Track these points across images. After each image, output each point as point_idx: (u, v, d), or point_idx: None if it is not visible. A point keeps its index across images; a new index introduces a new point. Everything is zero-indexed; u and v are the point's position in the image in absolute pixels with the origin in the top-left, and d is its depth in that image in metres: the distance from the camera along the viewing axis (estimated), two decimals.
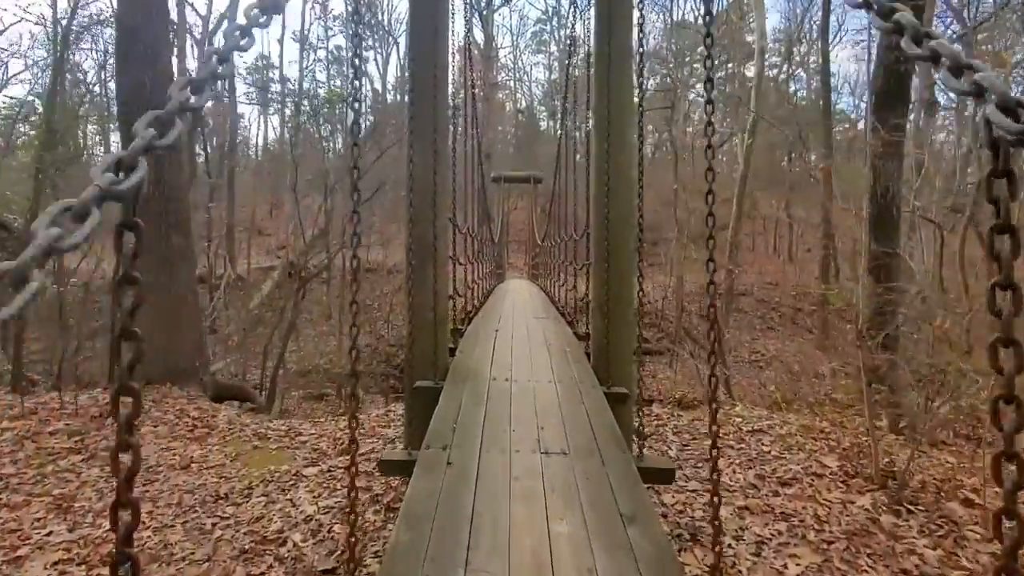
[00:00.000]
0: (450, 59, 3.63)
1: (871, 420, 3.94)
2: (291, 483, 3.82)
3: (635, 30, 3.33)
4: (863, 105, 25.24)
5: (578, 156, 6.90)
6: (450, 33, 3.68)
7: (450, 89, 3.71)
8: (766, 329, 18.14)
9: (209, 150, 18.84)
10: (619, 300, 3.60)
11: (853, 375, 6.59)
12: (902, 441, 4.98)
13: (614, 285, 3.53)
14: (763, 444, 4.54)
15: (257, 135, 33.83)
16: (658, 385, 11.22)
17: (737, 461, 4.25)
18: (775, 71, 23.63)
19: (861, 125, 25.61)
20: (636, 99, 2.98)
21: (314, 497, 3.64)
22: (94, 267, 10.11)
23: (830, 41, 16.79)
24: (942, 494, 3.79)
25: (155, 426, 4.84)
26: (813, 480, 3.84)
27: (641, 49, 2.79)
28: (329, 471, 4.01)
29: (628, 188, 3.63)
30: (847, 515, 3.40)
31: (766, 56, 17.95)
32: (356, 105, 1.70)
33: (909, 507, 3.54)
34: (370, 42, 26.99)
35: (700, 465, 4.20)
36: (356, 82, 1.69)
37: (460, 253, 5.50)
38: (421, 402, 3.38)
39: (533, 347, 4.20)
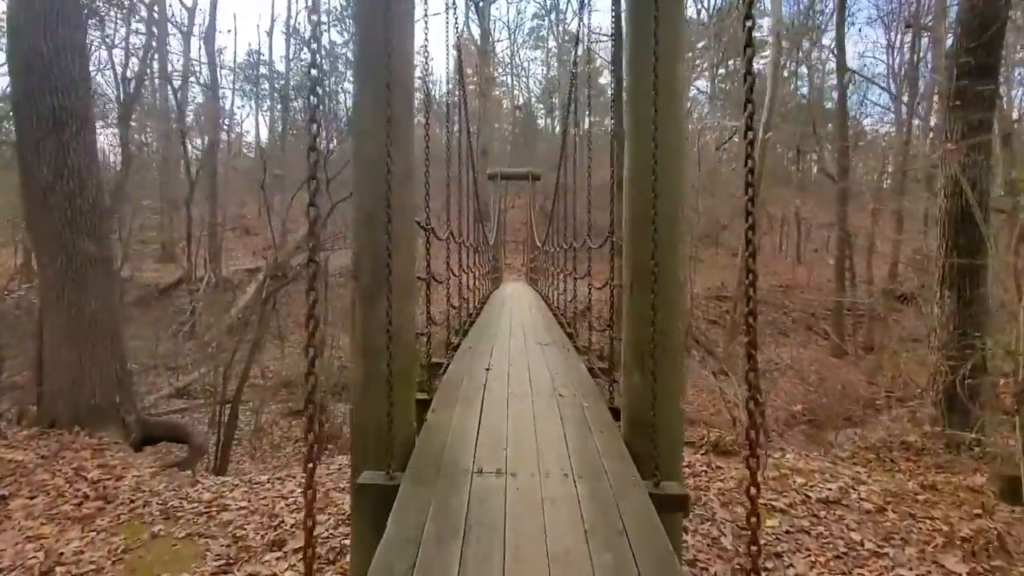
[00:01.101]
0: None
1: None
2: None
3: None
4: (865, 102, 24.26)
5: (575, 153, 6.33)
6: None
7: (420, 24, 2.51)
8: (778, 335, 17.20)
9: (200, 145, 17.70)
10: (667, 342, 2.40)
11: (925, 418, 5.42)
12: (1020, 514, 3.81)
13: (661, 322, 2.34)
14: (848, 526, 3.35)
15: (239, 133, 32.50)
16: None
17: (821, 558, 3.06)
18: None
19: (865, 122, 24.57)
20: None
21: None
22: None
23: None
24: None
25: (32, 496, 3.62)
26: None
27: None
28: None
29: (678, 184, 2.46)
30: None
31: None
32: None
33: None
34: None
35: (772, 565, 3.01)
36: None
37: (446, 261, 4.33)
38: (369, 506, 2.18)
39: (538, 403, 3.00)
